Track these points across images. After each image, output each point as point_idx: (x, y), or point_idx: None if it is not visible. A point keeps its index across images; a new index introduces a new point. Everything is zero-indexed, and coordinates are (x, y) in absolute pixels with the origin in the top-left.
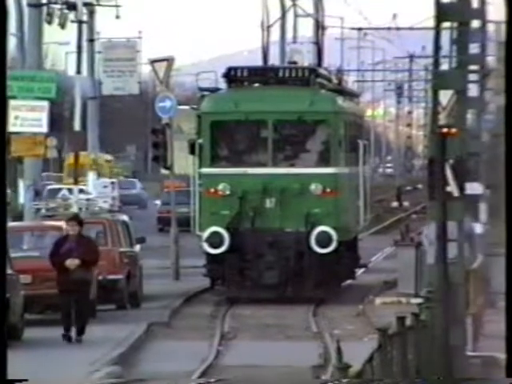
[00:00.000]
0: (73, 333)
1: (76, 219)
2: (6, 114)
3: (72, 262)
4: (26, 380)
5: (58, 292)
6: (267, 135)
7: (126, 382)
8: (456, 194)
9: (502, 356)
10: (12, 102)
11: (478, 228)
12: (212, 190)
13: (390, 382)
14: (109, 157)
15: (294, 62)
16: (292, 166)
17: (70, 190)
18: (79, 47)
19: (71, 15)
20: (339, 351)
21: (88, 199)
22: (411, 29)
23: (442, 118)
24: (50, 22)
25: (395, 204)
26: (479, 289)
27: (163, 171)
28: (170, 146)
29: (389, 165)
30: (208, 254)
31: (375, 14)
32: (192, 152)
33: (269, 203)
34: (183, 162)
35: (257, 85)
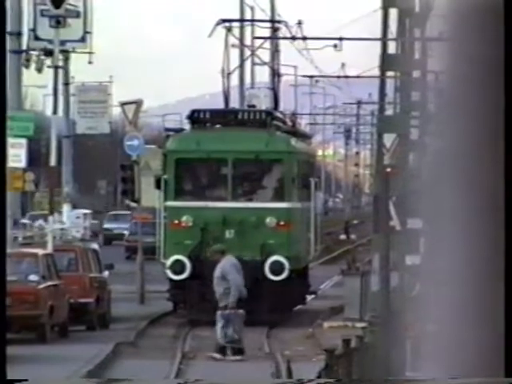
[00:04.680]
0: None
1: None
2: (5, 123)
3: None
4: (25, 380)
5: (33, 313)
6: (227, 172)
7: (115, 381)
8: (398, 227)
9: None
10: None
11: (417, 259)
12: (176, 222)
13: None
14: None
15: (253, 106)
16: (249, 200)
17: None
18: (55, 90)
19: (48, 61)
20: (289, 370)
21: (62, 229)
22: (359, 77)
23: (386, 159)
24: (27, 67)
25: (343, 236)
26: (417, 314)
27: (131, 204)
28: (137, 181)
29: (338, 200)
30: (171, 280)
31: (326, 63)
32: (158, 187)
33: (228, 234)
34: (150, 195)
35: (218, 126)
